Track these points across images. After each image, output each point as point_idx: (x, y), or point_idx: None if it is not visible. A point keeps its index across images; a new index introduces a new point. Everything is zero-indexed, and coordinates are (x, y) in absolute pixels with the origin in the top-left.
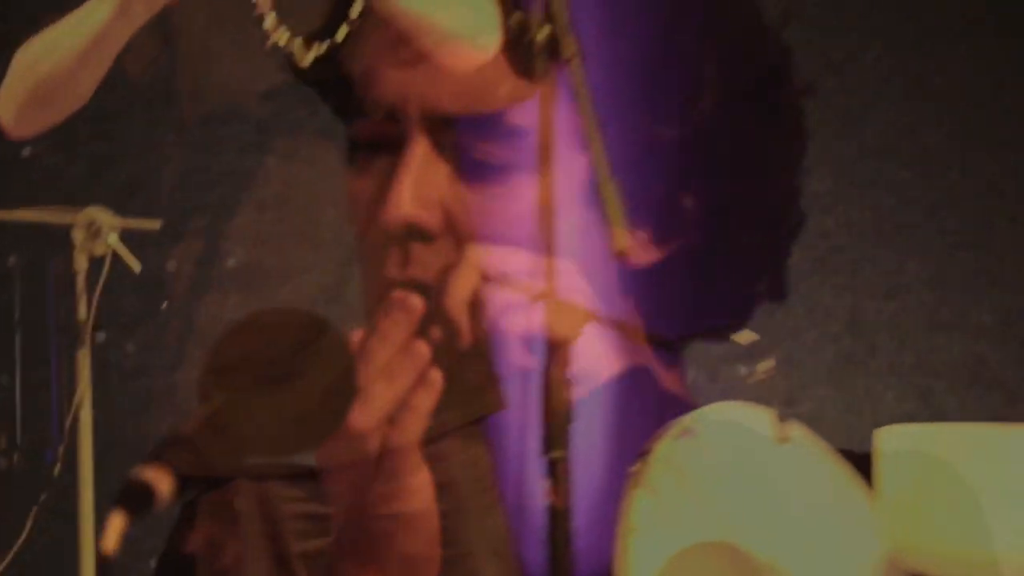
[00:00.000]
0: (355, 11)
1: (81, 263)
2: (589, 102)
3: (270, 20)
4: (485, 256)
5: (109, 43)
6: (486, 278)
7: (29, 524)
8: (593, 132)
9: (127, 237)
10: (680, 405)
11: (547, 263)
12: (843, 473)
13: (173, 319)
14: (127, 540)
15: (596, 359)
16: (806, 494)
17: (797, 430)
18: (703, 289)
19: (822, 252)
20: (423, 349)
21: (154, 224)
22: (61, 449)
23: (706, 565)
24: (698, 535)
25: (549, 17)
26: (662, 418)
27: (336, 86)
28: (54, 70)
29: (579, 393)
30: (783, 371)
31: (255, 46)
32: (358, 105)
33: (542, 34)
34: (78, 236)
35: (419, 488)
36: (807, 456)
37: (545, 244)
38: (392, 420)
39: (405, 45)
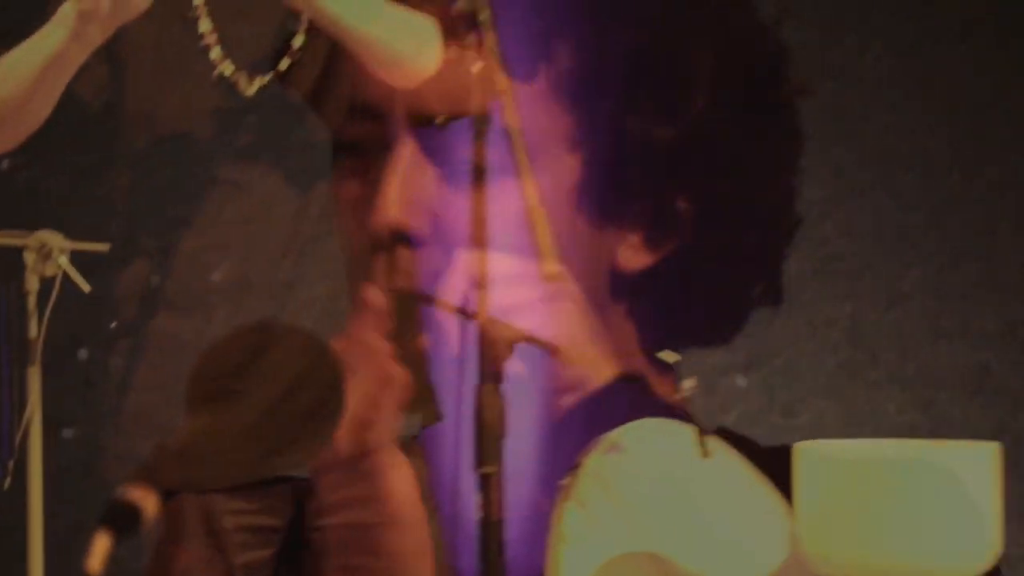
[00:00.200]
0: (297, 42)
1: (32, 284)
2: (519, 133)
3: (216, 52)
4: (471, 260)
5: (64, 66)
6: (426, 300)
7: None
8: (523, 162)
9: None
10: (608, 420)
11: (480, 287)
12: (761, 486)
13: (157, 335)
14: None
15: (586, 366)
16: (725, 506)
17: (717, 445)
18: (698, 293)
19: (821, 259)
20: (386, 347)
21: (103, 247)
22: (11, 464)
23: (632, 573)
24: (624, 545)
25: (483, 53)
26: (592, 432)
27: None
28: (10, 93)
29: (571, 400)
30: (782, 382)
31: (202, 75)
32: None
33: (476, 69)
34: (29, 258)
35: (398, 487)
36: (727, 470)
37: (479, 269)
38: (363, 421)
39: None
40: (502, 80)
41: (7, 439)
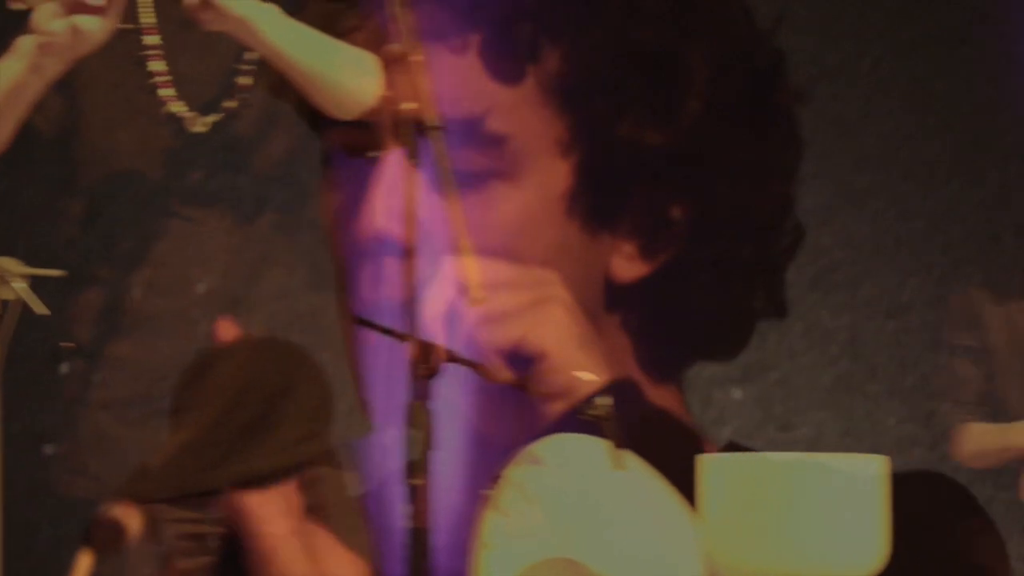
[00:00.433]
0: (244, 81)
1: None
2: (448, 168)
3: (167, 90)
4: (460, 267)
5: (22, 97)
6: (360, 322)
7: None
8: (452, 195)
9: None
10: (530, 432)
11: (410, 308)
12: (671, 497)
13: (140, 349)
14: None
15: (575, 374)
16: (637, 516)
17: (631, 458)
18: (696, 305)
19: (819, 269)
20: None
21: (59, 273)
22: None
23: None
24: (543, 551)
25: (414, 92)
26: (514, 445)
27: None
28: None
29: (562, 408)
30: (779, 394)
31: (153, 111)
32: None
33: (407, 107)
34: None
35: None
36: (639, 482)
37: (407, 289)
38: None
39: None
40: (432, 117)
41: None
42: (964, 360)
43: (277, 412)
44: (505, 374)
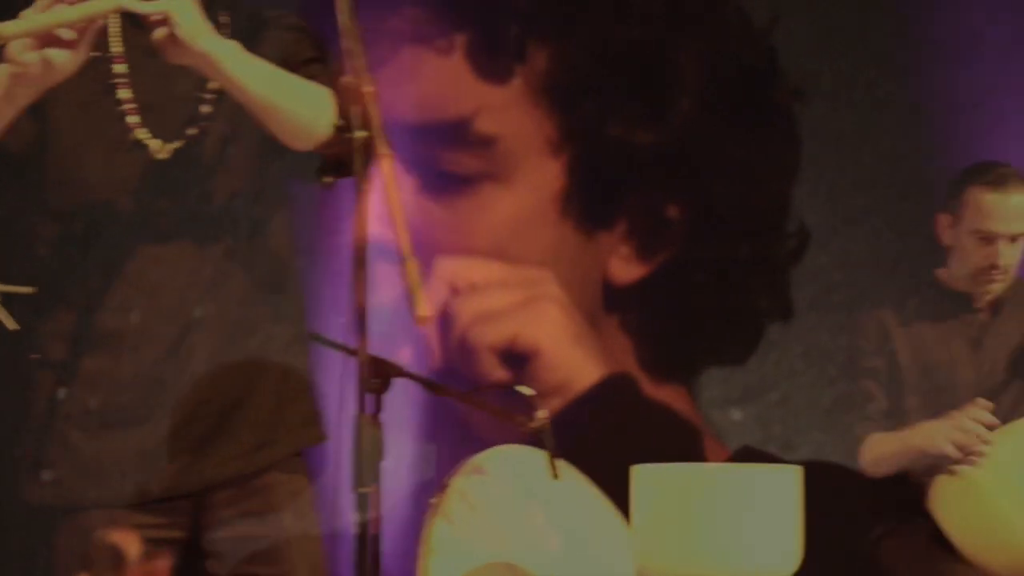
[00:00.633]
0: (205, 110)
1: None
2: (396, 193)
3: (133, 118)
4: (452, 269)
5: None
6: (314, 338)
7: None
8: (399, 218)
9: None
10: (474, 443)
11: (361, 325)
12: (605, 505)
13: (105, 364)
14: None
15: (570, 370)
16: (573, 522)
17: (567, 469)
18: (696, 304)
19: (818, 289)
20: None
21: (28, 290)
22: None
23: None
24: (485, 556)
25: (365, 122)
26: (459, 456)
27: None
28: None
29: (554, 406)
30: (778, 415)
31: (120, 137)
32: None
33: (359, 136)
34: None
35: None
36: (575, 491)
37: (357, 304)
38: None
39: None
40: (383, 146)
41: None
42: (870, 379)
43: (234, 421)
44: (453, 389)
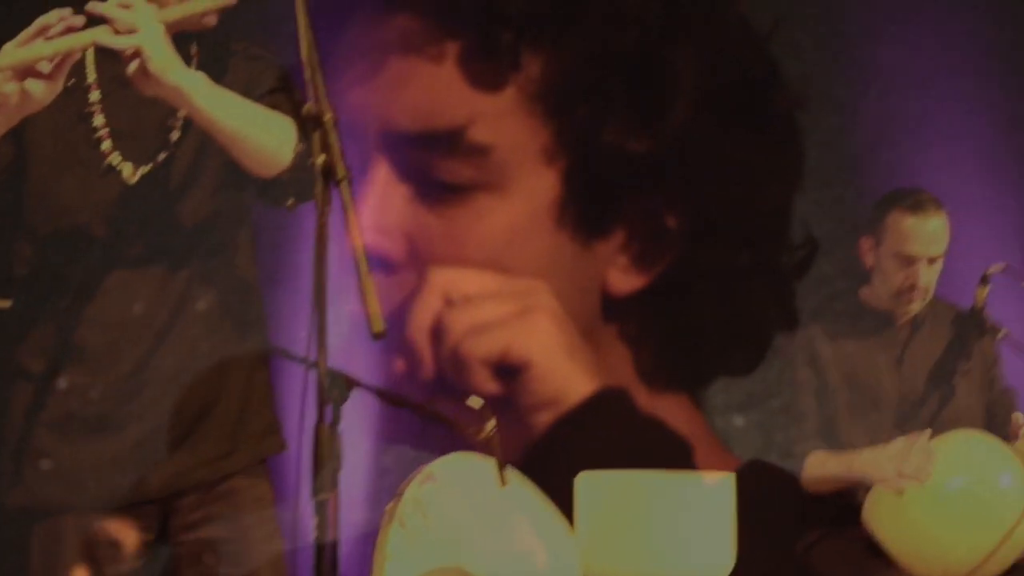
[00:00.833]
0: (174, 137)
1: None
2: (355, 215)
3: (107, 144)
4: (446, 279)
5: None
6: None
7: None
8: (356, 238)
9: None
10: (429, 451)
11: (320, 340)
12: (551, 510)
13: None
14: None
15: (562, 383)
16: (520, 527)
17: (514, 476)
18: (697, 314)
19: (821, 299)
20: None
21: (5, 303)
22: None
23: None
24: (438, 560)
25: (325, 147)
26: (413, 464)
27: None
28: None
29: (545, 419)
30: (781, 422)
31: (94, 162)
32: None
33: (319, 160)
34: None
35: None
36: (522, 497)
37: (317, 319)
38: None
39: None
40: (341, 170)
41: None
42: (804, 395)
43: (199, 431)
44: (407, 400)
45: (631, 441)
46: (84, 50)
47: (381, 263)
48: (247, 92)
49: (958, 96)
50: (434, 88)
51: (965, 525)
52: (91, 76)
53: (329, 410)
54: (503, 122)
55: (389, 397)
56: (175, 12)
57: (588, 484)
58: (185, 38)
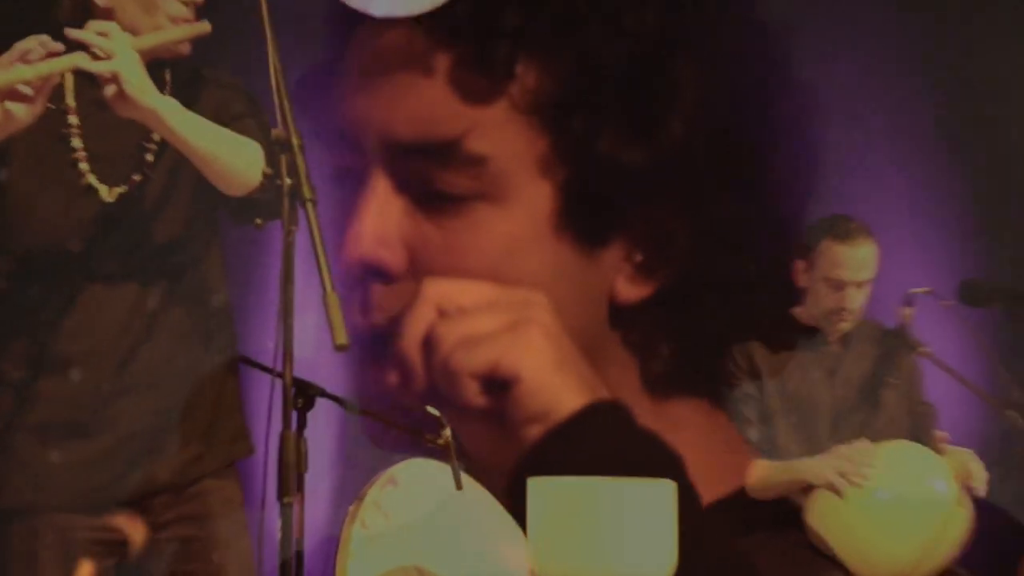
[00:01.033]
0: (149, 159)
1: None
2: (321, 237)
3: (84, 165)
4: (439, 290)
5: None
6: (243, 360)
7: None
8: (321, 256)
9: None
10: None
11: (287, 352)
12: (503, 513)
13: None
14: None
15: (551, 397)
16: (475, 528)
17: (470, 480)
18: (706, 320)
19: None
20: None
21: None
22: None
23: None
24: (397, 559)
25: (292, 170)
26: (376, 468)
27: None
28: None
29: (534, 434)
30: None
31: (73, 182)
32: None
33: (286, 182)
34: None
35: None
36: (478, 501)
37: (284, 330)
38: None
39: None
40: (307, 191)
41: None
42: (746, 406)
43: (172, 436)
44: (369, 410)
45: (621, 454)
46: (64, 73)
47: (381, 274)
48: (217, 117)
49: (886, 130)
50: (430, 98)
51: (900, 527)
52: (71, 101)
53: (294, 417)
54: (501, 132)
55: (350, 406)
56: (150, 40)
57: (537, 489)
58: (159, 65)
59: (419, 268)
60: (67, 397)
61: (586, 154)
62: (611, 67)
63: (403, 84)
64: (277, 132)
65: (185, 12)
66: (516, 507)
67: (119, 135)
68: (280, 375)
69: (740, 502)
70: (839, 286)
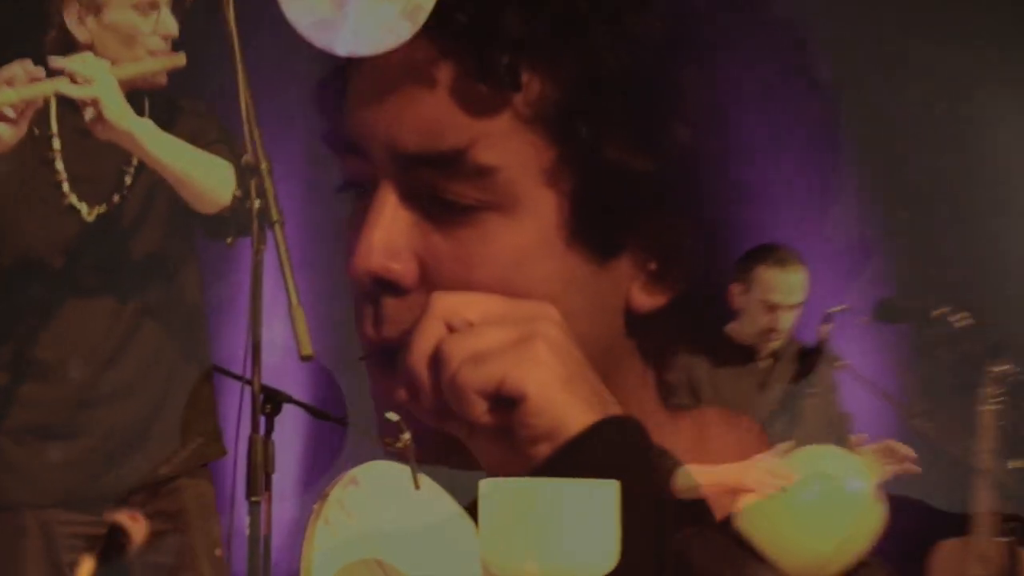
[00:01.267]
0: (127, 181)
1: None
2: (287, 255)
3: (66, 186)
4: (447, 304)
5: None
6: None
7: None
8: (288, 274)
9: None
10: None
11: (253, 353)
12: (459, 512)
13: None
14: None
15: (559, 415)
16: (431, 526)
17: (426, 480)
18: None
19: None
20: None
21: None
22: None
23: (361, 574)
24: (358, 553)
25: (261, 193)
26: (341, 468)
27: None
28: None
29: (543, 452)
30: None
31: (56, 203)
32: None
33: (255, 204)
34: None
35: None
36: (435, 500)
37: (252, 338)
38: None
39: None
40: (275, 213)
41: None
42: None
43: (147, 438)
44: (330, 415)
45: (629, 469)
46: (46, 97)
47: (392, 286)
48: (193, 142)
49: (807, 163)
50: (434, 110)
51: (821, 524)
52: (53, 127)
53: (263, 421)
54: (508, 143)
55: (314, 411)
56: (128, 70)
57: (488, 490)
58: (138, 95)
59: (430, 279)
60: (48, 402)
61: (593, 162)
62: (614, 73)
63: (407, 96)
64: (247, 158)
65: (163, 46)
66: None
67: (99, 159)
68: (249, 382)
69: (674, 499)
70: (773, 308)
